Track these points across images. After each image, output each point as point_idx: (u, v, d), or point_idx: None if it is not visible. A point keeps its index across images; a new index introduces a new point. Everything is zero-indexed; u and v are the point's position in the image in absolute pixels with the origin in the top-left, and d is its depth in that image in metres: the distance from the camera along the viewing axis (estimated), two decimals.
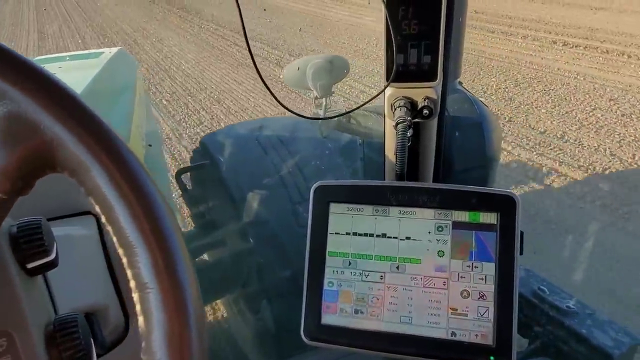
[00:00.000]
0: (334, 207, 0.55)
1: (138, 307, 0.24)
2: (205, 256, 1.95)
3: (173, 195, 2.37)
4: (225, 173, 1.56)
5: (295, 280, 1.28)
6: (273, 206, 1.41)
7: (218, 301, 2.00)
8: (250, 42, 0.55)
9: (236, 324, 1.77)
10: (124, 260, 0.25)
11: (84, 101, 0.26)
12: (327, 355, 1.03)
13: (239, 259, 1.61)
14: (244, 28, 0.53)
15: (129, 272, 0.25)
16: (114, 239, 0.25)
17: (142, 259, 0.24)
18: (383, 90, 0.67)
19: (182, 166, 2.57)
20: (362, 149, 1.31)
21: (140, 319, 0.24)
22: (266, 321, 1.32)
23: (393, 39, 0.63)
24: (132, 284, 0.24)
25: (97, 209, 0.25)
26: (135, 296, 0.24)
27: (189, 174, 2.10)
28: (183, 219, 2.56)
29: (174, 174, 1.91)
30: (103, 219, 0.25)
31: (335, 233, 0.55)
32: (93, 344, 0.33)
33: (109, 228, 0.25)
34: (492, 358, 0.49)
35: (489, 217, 0.51)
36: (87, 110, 0.26)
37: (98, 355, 0.50)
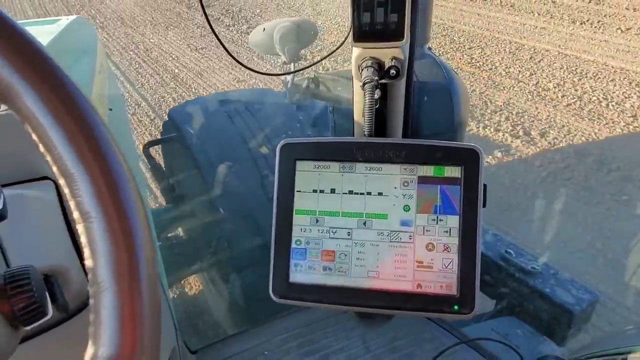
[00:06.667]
0: (300, 165, 0.55)
1: (83, 239, 0.23)
2: (177, 230, 1.93)
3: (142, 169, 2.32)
4: (193, 146, 1.53)
5: (265, 249, 1.27)
6: (242, 177, 1.40)
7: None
8: None
9: (211, 294, 1.78)
10: (66, 191, 0.23)
11: (12, 19, 0.24)
12: (297, 318, 1.04)
13: (210, 231, 1.60)
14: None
15: (71, 203, 0.23)
16: (54, 168, 0.24)
17: (83, 187, 0.23)
18: (340, 46, 0.66)
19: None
20: (333, 115, 1.30)
21: (86, 251, 0.23)
22: (239, 289, 1.33)
23: None
24: (76, 215, 0.23)
25: (34, 137, 0.24)
26: (79, 228, 0.23)
27: (157, 147, 2.06)
28: (152, 191, 2.52)
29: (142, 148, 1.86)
30: (41, 148, 0.24)
31: (302, 191, 0.54)
32: (50, 302, 0.32)
33: (47, 158, 0.24)
34: (456, 307, 0.50)
35: (453, 171, 0.52)
36: (15, 28, 0.23)
37: (63, 320, 0.49)
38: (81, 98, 0.24)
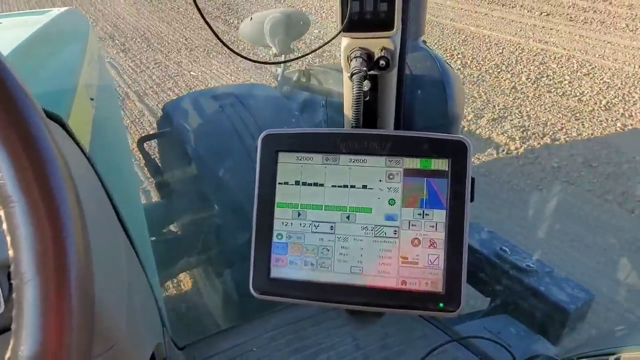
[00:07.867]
0: (282, 157, 0.53)
1: (4, 227, 0.21)
2: (171, 225, 1.91)
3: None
4: (188, 141, 1.52)
5: None
6: (236, 173, 1.39)
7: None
8: None
9: (205, 289, 1.76)
10: None
11: None
12: (287, 315, 1.03)
13: (204, 227, 1.58)
14: None
15: None
16: None
17: (4, 169, 0.21)
18: (335, 37, 0.64)
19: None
20: (325, 109, 1.28)
21: (8, 240, 0.21)
22: (233, 284, 1.31)
23: None
24: None
25: None
26: (1, 214, 0.21)
27: (152, 142, 2.04)
28: (146, 186, 2.49)
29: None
30: None
31: (284, 183, 0.53)
32: (2, 296, 0.30)
33: None
34: (441, 304, 0.48)
35: (441, 164, 0.50)
36: None
37: None
38: (7, 73, 0.22)
